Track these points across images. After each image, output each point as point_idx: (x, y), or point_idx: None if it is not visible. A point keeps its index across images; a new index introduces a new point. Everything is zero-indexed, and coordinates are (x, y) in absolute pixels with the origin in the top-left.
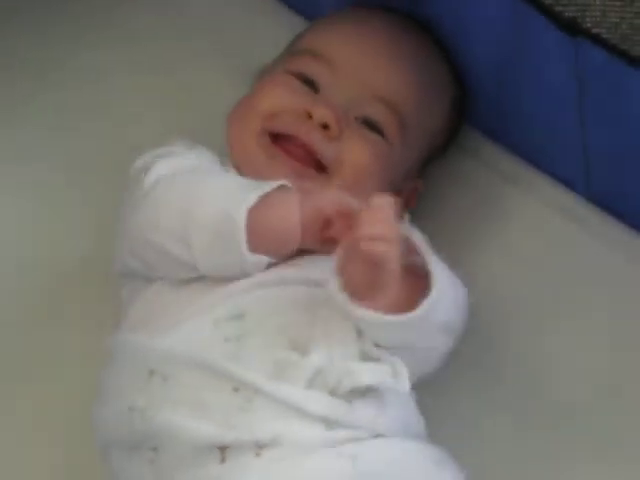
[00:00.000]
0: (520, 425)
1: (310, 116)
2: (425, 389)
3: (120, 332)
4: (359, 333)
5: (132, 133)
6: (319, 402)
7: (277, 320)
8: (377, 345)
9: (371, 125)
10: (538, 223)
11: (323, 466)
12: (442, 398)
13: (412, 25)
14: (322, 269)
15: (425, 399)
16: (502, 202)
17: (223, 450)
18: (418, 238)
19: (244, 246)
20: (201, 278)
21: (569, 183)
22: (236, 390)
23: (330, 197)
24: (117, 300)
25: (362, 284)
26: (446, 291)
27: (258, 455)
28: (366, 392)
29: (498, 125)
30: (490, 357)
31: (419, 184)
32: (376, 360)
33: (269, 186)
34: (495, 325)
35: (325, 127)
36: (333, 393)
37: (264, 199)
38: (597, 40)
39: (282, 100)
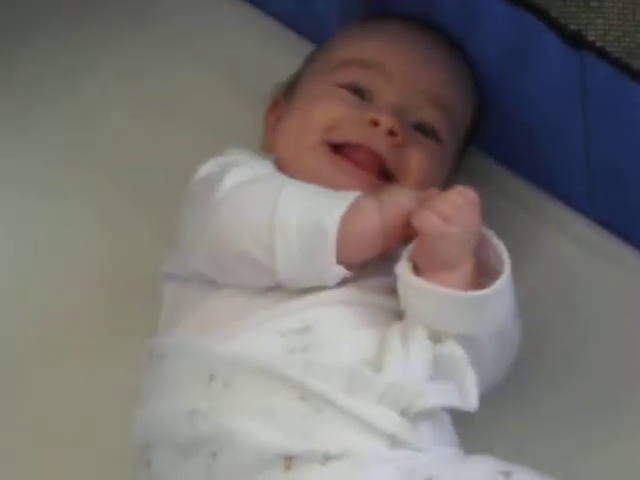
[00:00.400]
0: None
1: (376, 124)
2: None
3: (176, 334)
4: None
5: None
6: (389, 420)
7: (346, 335)
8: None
9: (425, 129)
10: (537, 240)
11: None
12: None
13: (439, 32)
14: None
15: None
16: (501, 219)
17: (289, 459)
18: (494, 237)
19: (332, 256)
20: (271, 290)
21: (571, 199)
22: (303, 399)
23: (407, 194)
24: (151, 303)
25: (430, 264)
26: (509, 291)
27: (324, 465)
28: (430, 414)
29: (498, 140)
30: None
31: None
32: (447, 378)
33: (352, 195)
34: None
35: (391, 134)
36: (404, 413)
37: (349, 209)
38: (601, 54)
39: (340, 111)
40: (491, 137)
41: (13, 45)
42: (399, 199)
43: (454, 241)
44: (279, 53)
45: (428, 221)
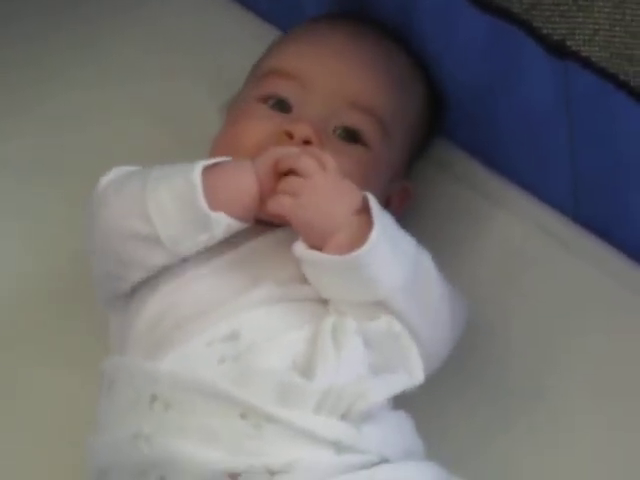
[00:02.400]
0: (519, 441)
1: (291, 136)
2: (422, 409)
3: (117, 356)
4: (366, 344)
5: (114, 148)
6: (330, 427)
7: (275, 340)
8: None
9: (351, 133)
10: (524, 245)
11: None
12: (438, 417)
13: (372, 29)
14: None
15: (422, 418)
16: (488, 224)
17: (234, 477)
18: (369, 197)
19: (202, 201)
20: (195, 300)
21: (558, 206)
22: (244, 416)
23: (278, 150)
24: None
25: (315, 238)
26: (399, 243)
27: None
28: (373, 417)
29: (483, 145)
30: (483, 378)
31: (409, 186)
32: (388, 355)
33: (221, 158)
34: (482, 349)
35: (307, 143)
36: (345, 417)
37: (219, 164)
38: (585, 63)
39: (260, 130)
40: (475, 140)
41: None
42: (269, 155)
43: (314, 207)
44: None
45: (278, 204)
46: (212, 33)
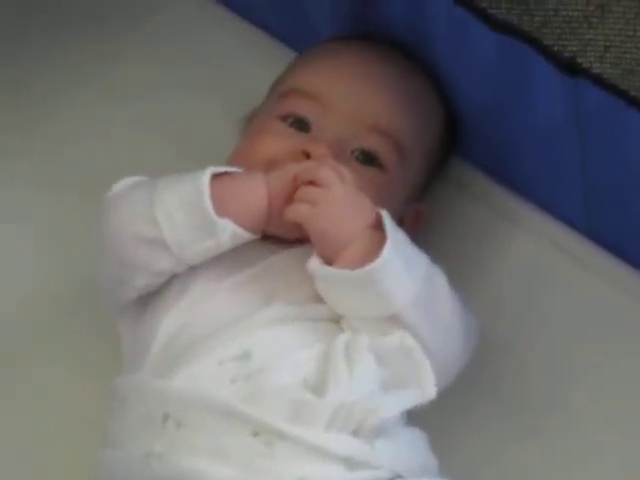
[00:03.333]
0: (534, 457)
1: (308, 155)
2: (434, 425)
3: (129, 374)
4: (379, 360)
5: (116, 162)
6: (342, 443)
7: (286, 358)
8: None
9: (368, 156)
10: (539, 262)
11: None
12: (449, 434)
13: (391, 50)
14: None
15: (434, 435)
16: (502, 241)
17: None
18: (384, 213)
19: (209, 208)
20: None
21: (570, 222)
22: (255, 434)
23: (296, 166)
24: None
25: (328, 250)
26: (411, 258)
27: None
28: (386, 432)
29: (497, 163)
30: (496, 395)
31: (423, 208)
32: (401, 371)
33: (231, 168)
34: (495, 365)
35: None
36: (357, 433)
37: (229, 173)
38: (596, 80)
39: (276, 147)
40: (489, 158)
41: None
42: (284, 171)
43: (330, 218)
44: (275, 69)
45: (296, 211)
46: (223, 51)
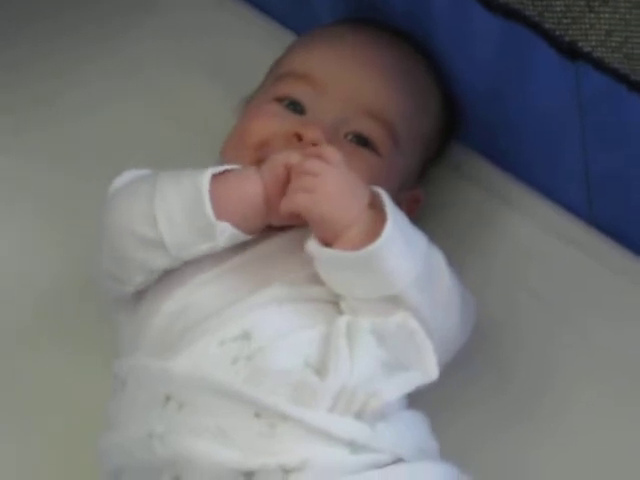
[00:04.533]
0: (528, 438)
1: (300, 138)
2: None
3: (130, 356)
4: (380, 341)
5: (120, 160)
6: (344, 426)
7: (286, 339)
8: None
9: (361, 139)
10: (537, 247)
11: None
12: (442, 415)
13: (390, 35)
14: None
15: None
16: (501, 225)
17: (249, 476)
18: (383, 193)
19: (209, 210)
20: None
21: (571, 208)
22: (258, 416)
23: (282, 157)
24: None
25: (327, 233)
26: (411, 238)
27: (285, 478)
28: (388, 415)
29: (498, 149)
30: (490, 376)
31: (419, 193)
32: (402, 351)
33: (231, 166)
34: (491, 347)
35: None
36: (359, 415)
37: (228, 172)
38: (597, 64)
39: (270, 128)
40: (490, 143)
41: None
42: (276, 162)
43: (327, 202)
44: (271, 52)
45: (293, 200)
46: (224, 33)
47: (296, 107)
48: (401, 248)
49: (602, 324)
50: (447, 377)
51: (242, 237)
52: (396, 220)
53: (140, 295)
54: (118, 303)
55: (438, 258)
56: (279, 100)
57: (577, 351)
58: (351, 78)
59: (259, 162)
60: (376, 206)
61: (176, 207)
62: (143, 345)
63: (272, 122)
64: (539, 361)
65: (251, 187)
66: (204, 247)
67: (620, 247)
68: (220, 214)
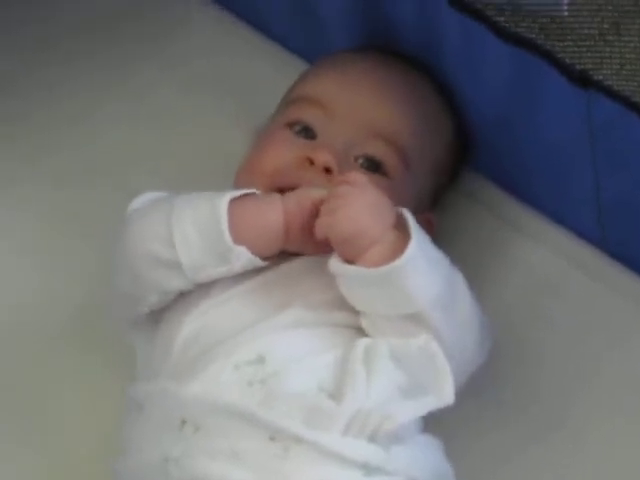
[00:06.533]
0: (543, 462)
1: (312, 162)
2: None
3: (148, 381)
4: (399, 364)
5: (135, 184)
6: (359, 449)
7: (301, 363)
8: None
9: (372, 163)
10: (551, 274)
11: None
12: (455, 440)
13: (400, 61)
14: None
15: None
16: (512, 251)
17: None
18: (406, 212)
19: (226, 234)
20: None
21: (583, 234)
22: (272, 439)
23: (311, 192)
24: (126, 349)
25: (351, 252)
26: (434, 258)
27: None
28: (402, 438)
29: (509, 175)
30: (506, 400)
31: (431, 217)
32: (421, 374)
33: (249, 190)
34: (506, 371)
35: (327, 171)
36: (373, 438)
37: (247, 197)
38: (608, 92)
39: (282, 156)
40: (501, 170)
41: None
42: (302, 196)
43: (349, 221)
44: (282, 77)
45: (319, 224)
46: (233, 57)
47: (307, 132)
48: (424, 267)
49: (614, 348)
50: (462, 401)
51: (258, 262)
52: (419, 240)
53: (156, 318)
54: (134, 327)
55: (459, 279)
56: (290, 125)
57: (590, 375)
58: (361, 101)
59: (273, 189)
60: (401, 227)
61: (193, 229)
62: (161, 369)
63: (284, 150)
64: (554, 385)
65: (272, 215)
66: (220, 270)
67: (631, 272)
68: (237, 238)
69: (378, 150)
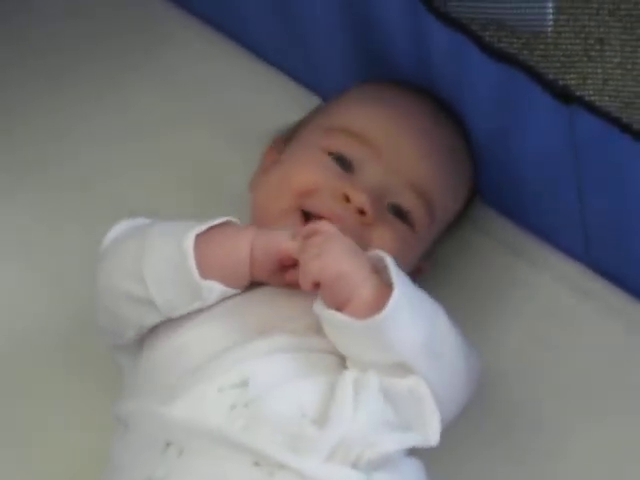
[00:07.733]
0: None
1: (347, 199)
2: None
3: (131, 400)
4: (387, 401)
5: (120, 196)
6: (342, 475)
7: (283, 388)
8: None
9: (401, 214)
10: (540, 293)
11: None
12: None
13: (441, 108)
14: (323, 337)
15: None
16: (503, 272)
17: None
18: (388, 258)
19: (194, 270)
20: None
21: (569, 250)
22: (257, 464)
23: (282, 240)
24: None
25: (333, 299)
26: (417, 304)
27: None
28: (385, 464)
29: (499, 192)
30: (498, 431)
31: (424, 265)
32: (408, 414)
33: (218, 220)
34: (498, 395)
35: (361, 213)
36: (355, 465)
37: (216, 230)
38: (591, 108)
39: (317, 179)
40: (490, 189)
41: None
42: (270, 244)
43: (335, 264)
44: (281, 104)
45: (308, 272)
46: (235, 88)
47: (344, 164)
48: (408, 316)
49: (603, 366)
50: (448, 427)
51: (231, 292)
52: (402, 286)
53: (139, 340)
54: (119, 349)
55: (443, 319)
56: (329, 153)
57: (577, 393)
58: (409, 151)
59: (297, 209)
60: (380, 271)
61: (163, 267)
62: (143, 389)
63: (319, 174)
64: (544, 409)
65: (239, 253)
66: (194, 305)
67: (620, 292)
68: (206, 273)
69: (411, 202)
